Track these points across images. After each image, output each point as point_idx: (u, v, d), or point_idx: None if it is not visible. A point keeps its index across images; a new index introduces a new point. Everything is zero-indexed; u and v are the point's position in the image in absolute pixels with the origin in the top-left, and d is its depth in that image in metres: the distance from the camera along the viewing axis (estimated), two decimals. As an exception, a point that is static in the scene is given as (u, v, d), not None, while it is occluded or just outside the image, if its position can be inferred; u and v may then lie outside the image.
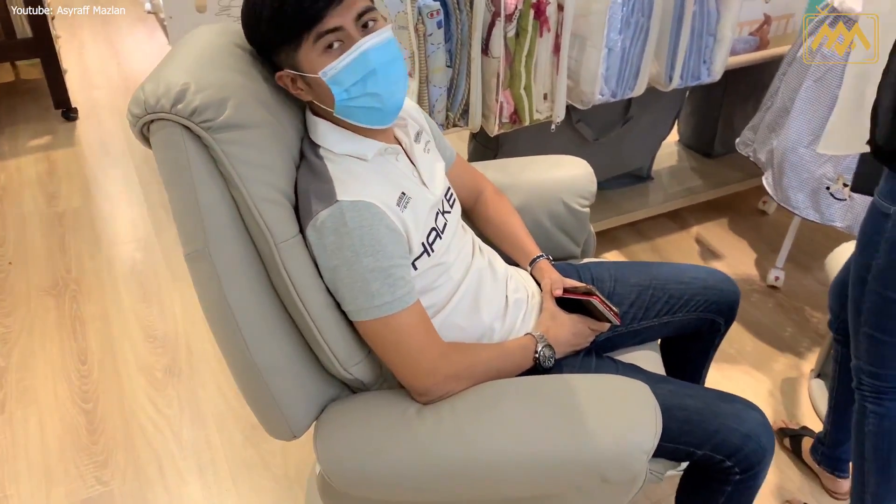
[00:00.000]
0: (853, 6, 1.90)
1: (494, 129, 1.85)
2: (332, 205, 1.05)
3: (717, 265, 2.46)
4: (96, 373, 2.04)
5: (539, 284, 1.38)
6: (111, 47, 4.21)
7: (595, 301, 1.27)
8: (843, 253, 1.83)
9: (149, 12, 3.77)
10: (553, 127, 1.92)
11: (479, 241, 1.37)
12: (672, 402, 1.19)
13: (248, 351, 1.09)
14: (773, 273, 2.34)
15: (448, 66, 1.73)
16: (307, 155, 1.15)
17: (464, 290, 1.23)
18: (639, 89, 2.00)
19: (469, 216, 1.49)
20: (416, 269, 1.14)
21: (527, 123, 1.88)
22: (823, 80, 2.01)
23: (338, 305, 1.12)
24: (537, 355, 1.22)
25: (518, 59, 1.77)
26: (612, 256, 2.50)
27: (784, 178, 2.13)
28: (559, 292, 1.32)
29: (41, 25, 3.03)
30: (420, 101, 1.71)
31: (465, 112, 1.81)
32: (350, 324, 1.14)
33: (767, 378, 2.03)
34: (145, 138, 1.08)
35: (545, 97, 1.88)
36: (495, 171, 1.59)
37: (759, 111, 2.31)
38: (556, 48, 1.80)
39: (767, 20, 2.25)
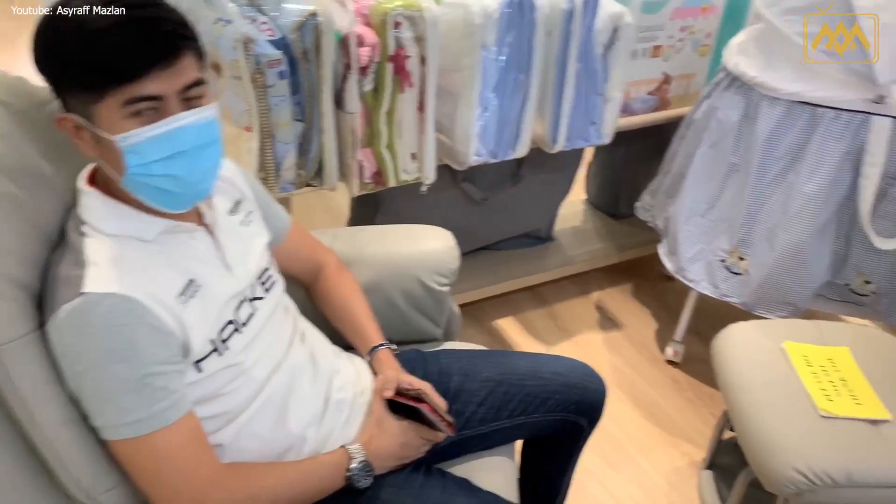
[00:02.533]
0: (746, 70, 1.79)
1: (354, 190, 1.67)
2: (76, 297, 0.85)
3: (615, 334, 2.30)
4: None
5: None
6: (7, 76, 3.95)
7: (424, 409, 1.09)
8: (732, 335, 1.69)
9: None
10: (423, 189, 1.75)
11: (305, 327, 1.18)
12: None
13: None
14: (671, 347, 2.19)
15: (298, 120, 1.55)
16: (68, 232, 0.95)
17: (269, 393, 1.03)
18: (521, 150, 1.85)
19: (309, 295, 1.30)
20: (201, 371, 0.95)
21: (392, 184, 1.71)
22: (718, 147, 1.89)
23: (84, 419, 0.92)
24: (350, 474, 1.03)
25: (377, 115, 1.60)
26: (508, 323, 2.33)
27: (679, 248, 1.99)
28: (389, 394, 1.14)
29: None
30: (263, 158, 1.52)
31: (321, 171, 1.63)
32: (100, 441, 0.94)
33: (654, 468, 1.86)
34: None
35: (413, 157, 1.71)
36: (344, 242, 1.41)
37: (659, 174, 2.19)
38: (422, 105, 1.63)
39: (667, 79, 2.13)
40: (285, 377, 1.06)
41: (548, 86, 1.80)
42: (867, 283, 1.86)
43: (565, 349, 2.24)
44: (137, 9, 0.84)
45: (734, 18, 2.11)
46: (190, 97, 0.88)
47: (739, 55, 1.85)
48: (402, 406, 1.13)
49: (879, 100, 1.65)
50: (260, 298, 1.06)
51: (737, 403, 1.55)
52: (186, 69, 0.86)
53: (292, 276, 1.26)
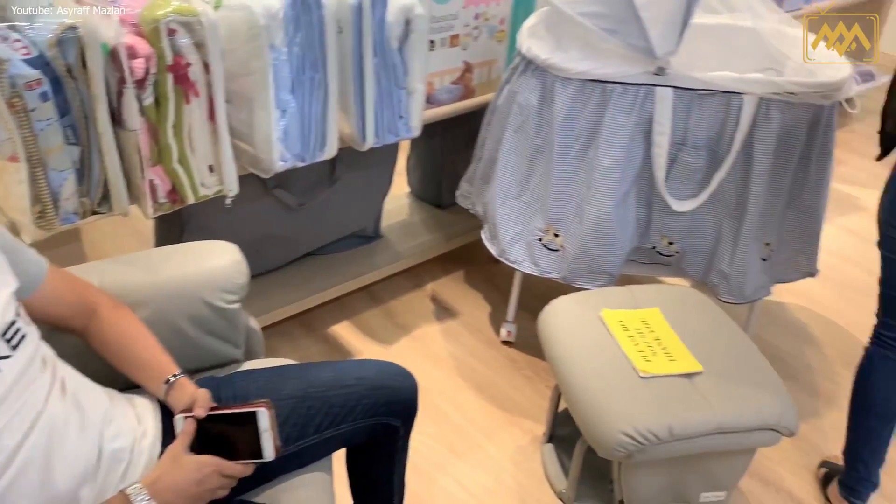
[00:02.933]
0: (538, 53, 1.83)
1: (149, 212, 1.55)
2: None
3: (451, 323, 2.32)
4: None
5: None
6: None
7: (265, 412, 1.03)
8: (554, 310, 1.74)
9: None
10: (228, 202, 1.66)
11: (65, 374, 1.05)
12: None
13: None
14: (504, 328, 2.24)
15: (72, 144, 1.41)
16: None
17: (25, 457, 0.91)
18: (329, 151, 1.80)
19: (85, 341, 1.18)
20: None
21: (191, 201, 1.60)
22: (522, 130, 1.93)
23: None
24: None
25: (163, 130, 1.49)
26: (343, 328, 2.28)
27: (499, 232, 2.02)
28: (201, 412, 1.05)
29: None
30: (35, 189, 1.37)
31: (107, 195, 1.50)
32: None
33: (499, 450, 1.89)
34: None
35: (211, 169, 1.61)
36: (116, 275, 1.29)
37: (472, 162, 2.22)
38: (212, 114, 1.54)
39: (469, 68, 2.15)
40: (43, 436, 0.95)
41: (347, 83, 1.76)
42: (670, 244, 1.98)
43: (404, 345, 2.23)
44: None
45: (525, 2, 2.16)
46: None
47: (531, 38, 1.90)
48: (213, 428, 1.05)
49: (660, 72, 1.75)
50: (6, 357, 0.94)
51: (564, 375, 1.60)
52: None
53: (58, 323, 1.14)
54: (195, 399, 1.08)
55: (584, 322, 1.69)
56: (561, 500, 1.77)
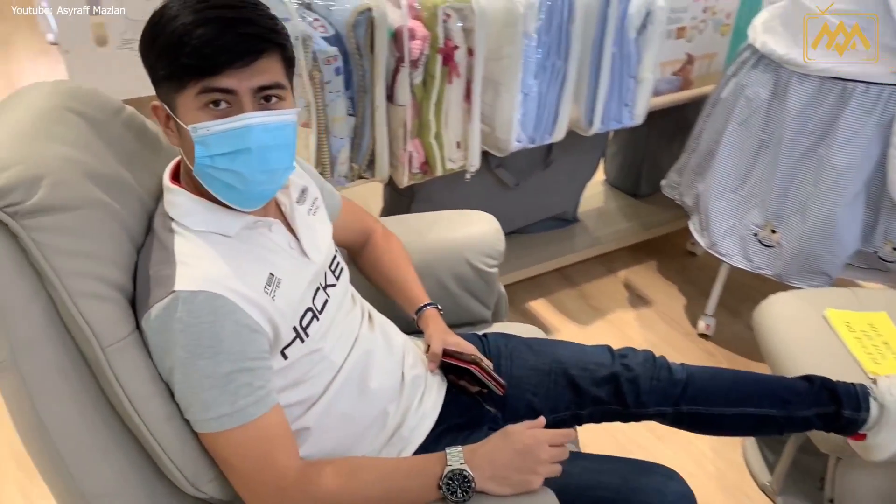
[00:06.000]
0: (774, 48, 1.83)
1: (404, 181, 1.71)
2: (168, 296, 0.88)
3: (646, 311, 2.36)
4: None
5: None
6: (7, 80, 3.92)
7: (474, 370, 1.13)
8: (774, 305, 1.75)
9: (52, 44, 3.53)
10: (468, 176, 1.79)
11: (370, 309, 1.22)
12: (586, 482, 1.06)
13: (73, 478, 0.90)
14: (703, 321, 2.25)
15: (350, 115, 1.58)
16: (156, 230, 0.98)
17: (347, 372, 1.07)
18: (558, 134, 1.89)
19: (357, 263, 1.33)
20: (286, 357, 0.98)
21: (439, 174, 1.75)
22: (748, 124, 1.94)
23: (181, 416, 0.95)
24: (443, 487, 0.92)
25: (426, 107, 1.64)
26: (540, 305, 2.38)
27: (711, 224, 2.04)
28: (438, 350, 1.17)
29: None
30: (319, 153, 1.55)
31: (372, 163, 1.66)
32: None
33: (698, 437, 1.92)
34: None
35: (458, 145, 1.74)
36: (393, 228, 1.44)
37: (685, 153, 2.24)
38: (468, 95, 1.67)
39: (690, 60, 2.18)
40: (360, 358, 1.09)
41: (584, 71, 1.84)
42: (895, 249, 1.93)
43: (600, 327, 2.30)
44: (230, 9, 0.88)
45: (753, -3, 2.16)
46: (268, 97, 0.91)
47: (766, 34, 1.90)
48: (451, 368, 1.16)
49: (908, 72, 1.71)
50: (332, 285, 1.09)
51: (784, 371, 1.61)
52: (266, 71, 0.89)
53: (342, 246, 1.29)
54: (433, 334, 1.20)
55: (806, 319, 1.69)
56: (764, 492, 1.78)
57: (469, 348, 1.19)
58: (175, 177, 1.00)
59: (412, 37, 1.53)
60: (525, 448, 0.95)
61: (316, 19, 1.51)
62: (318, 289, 1.05)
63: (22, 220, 0.85)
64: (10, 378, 0.87)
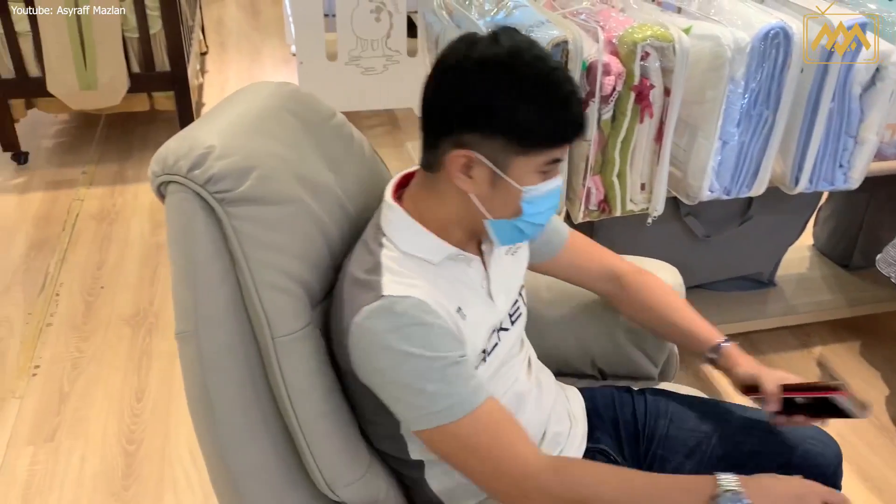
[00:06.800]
0: None
1: (579, 216, 1.67)
2: (377, 299, 0.90)
3: (839, 396, 2.11)
4: (148, 413, 2.01)
5: (728, 375, 1.16)
6: (252, 86, 4.37)
7: (838, 397, 1.01)
8: None
9: (293, 55, 3.90)
10: (649, 220, 1.71)
11: (531, 354, 1.20)
12: None
13: (223, 449, 0.97)
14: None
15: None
16: (367, 239, 1.01)
17: None
18: (757, 189, 1.76)
19: (612, 303, 1.30)
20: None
21: (618, 213, 1.69)
22: None
23: (335, 416, 0.99)
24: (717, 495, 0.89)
25: (612, 144, 1.59)
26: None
27: (930, 311, 1.79)
28: (775, 389, 1.08)
29: (178, 60, 3.16)
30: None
31: (549, 195, 1.64)
32: (348, 439, 1.00)
33: None
34: (163, 197, 1.00)
35: (643, 187, 1.68)
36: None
37: (908, 227, 1.99)
38: (659, 136, 1.60)
39: (930, 123, 1.94)
40: (513, 398, 1.08)
41: (795, 124, 1.70)
42: None
43: (780, 404, 2.09)
44: (572, 83, 0.92)
45: None
46: None
47: None
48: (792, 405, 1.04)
49: None
50: (506, 329, 1.08)
51: None
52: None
53: (581, 285, 1.29)
54: (760, 374, 1.11)
55: None
56: None
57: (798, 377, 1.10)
58: (397, 193, 1.03)
59: (606, 72, 1.49)
60: (801, 494, 0.92)
61: (513, 48, 1.52)
62: (493, 331, 1.05)
63: (228, 206, 0.92)
64: (190, 349, 0.95)
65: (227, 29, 5.14)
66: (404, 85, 3.46)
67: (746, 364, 1.14)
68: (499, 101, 0.88)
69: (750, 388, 1.12)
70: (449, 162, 0.92)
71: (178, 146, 0.95)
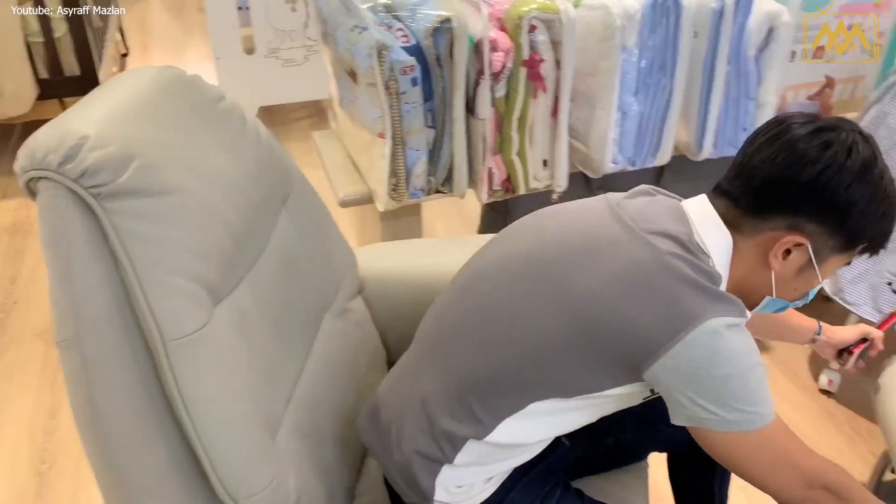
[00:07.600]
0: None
1: (483, 198, 1.64)
2: (742, 314, 0.88)
3: (764, 360, 2.13)
4: (62, 430, 1.93)
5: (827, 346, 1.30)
6: (176, 86, 4.25)
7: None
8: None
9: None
10: (554, 197, 1.69)
11: None
12: None
13: (113, 464, 0.91)
14: (825, 376, 2.00)
15: (429, 127, 1.54)
16: (685, 241, 0.93)
17: None
18: (662, 158, 1.75)
19: None
20: None
21: (522, 192, 1.66)
22: (887, 157, 1.70)
23: (242, 422, 0.93)
24: None
25: (508, 122, 1.56)
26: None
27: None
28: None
29: (87, 64, 3.06)
30: (394, 165, 1.52)
31: (450, 177, 1.61)
32: (255, 446, 0.94)
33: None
34: (33, 195, 0.89)
35: (545, 164, 1.65)
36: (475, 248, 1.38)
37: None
38: (556, 111, 1.58)
39: (830, 83, 1.95)
40: None
41: (693, 89, 1.69)
42: None
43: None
44: None
45: (912, 14, 1.90)
46: None
47: (917, 55, 1.66)
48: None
49: None
50: None
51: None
52: None
53: None
54: (862, 329, 1.27)
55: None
56: None
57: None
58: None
59: (494, 48, 1.47)
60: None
61: (399, 29, 1.48)
62: None
63: (105, 201, 0.84)
64: (73, 356, 0.88)
65: (149, 29, 5.00)
66: (327, 74, 3.39)
67: (843, 329, 1.29)
68: (862, 209, 0.89)
69: (841, 352, 1.30)
70: (774, 239, 0.92)
71: (47, 138, 0.86)
